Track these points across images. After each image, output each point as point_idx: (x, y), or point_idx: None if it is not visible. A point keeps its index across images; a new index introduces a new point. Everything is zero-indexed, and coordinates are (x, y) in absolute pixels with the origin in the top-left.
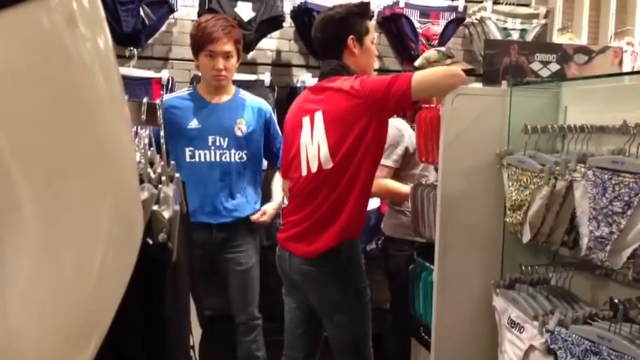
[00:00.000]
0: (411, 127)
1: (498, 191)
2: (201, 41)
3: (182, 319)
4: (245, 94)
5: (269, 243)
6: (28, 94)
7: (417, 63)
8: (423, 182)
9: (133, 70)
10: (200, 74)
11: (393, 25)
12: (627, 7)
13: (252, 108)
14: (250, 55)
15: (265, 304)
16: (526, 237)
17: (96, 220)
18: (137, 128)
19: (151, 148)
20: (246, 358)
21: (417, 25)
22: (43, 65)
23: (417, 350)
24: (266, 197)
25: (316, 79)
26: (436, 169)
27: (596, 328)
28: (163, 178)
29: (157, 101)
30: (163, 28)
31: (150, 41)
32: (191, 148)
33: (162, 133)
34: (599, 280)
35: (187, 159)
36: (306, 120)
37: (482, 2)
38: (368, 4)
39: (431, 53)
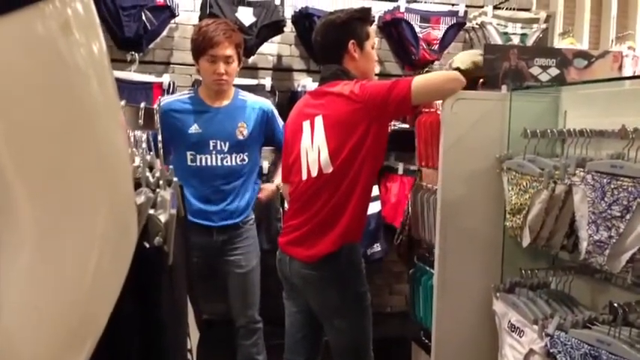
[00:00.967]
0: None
1: (498, 195)
2: (202, 45)
3: (178, 323)
4: (245, 95)
5: (269, 246)
6: (23, 99)
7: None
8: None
9: (134, 75)
10: (201, 78)
11: (394, 29)
12: (628, 11)
13: (254, 109)
14: (251, 60)
15: (266, 307)
16: (526, 241)
17: (91, 223)
18: (135, 132)
19: (151, 152)
20: None
21: (417, 29)
22: (38, 71)
23: (417, 354)
24: None
25: (317, 84)
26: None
27: (596, 332)
28: (161, 182)
29: (155, 106)
30: (165, 32)
31: (151, 46)
32: (192, 152)
33: (159, 138)
34: (598, 284)
35: (189, 162)
36: (306, 124)
37: (482, 7)
38: (369, 9)
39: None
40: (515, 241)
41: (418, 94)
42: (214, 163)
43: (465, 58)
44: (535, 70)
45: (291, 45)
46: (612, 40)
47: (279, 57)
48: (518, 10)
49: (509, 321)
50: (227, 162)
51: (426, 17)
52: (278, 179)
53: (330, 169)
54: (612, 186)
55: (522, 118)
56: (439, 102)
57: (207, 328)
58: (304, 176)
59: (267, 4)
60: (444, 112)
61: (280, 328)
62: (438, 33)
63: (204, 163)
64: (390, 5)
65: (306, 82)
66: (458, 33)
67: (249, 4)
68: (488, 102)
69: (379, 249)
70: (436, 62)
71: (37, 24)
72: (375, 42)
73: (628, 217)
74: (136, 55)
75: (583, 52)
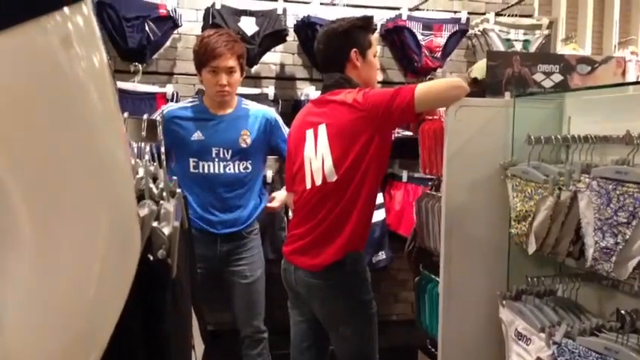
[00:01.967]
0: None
1: (503, 202)
2: (204, 57)
3: (182, 336)
4: (248, 104)
5: (274, 256)
6: (24, 114)
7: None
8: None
9: (137, 85)
10: (204, 88)
11: (396, 37)
12: (631, 16)
13: (257, 117)
14: (254, 69)
15: (271, 317)
16: (531, 248)
17: (93, 236)
18: (139, 143)
19: (154, 163)
20: None
21: (420, 37)
22: (38, 86)
23: None
24: None
25: (320, 92)
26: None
27: (603, 340)
28: (164, 193)
29: (157, 117)
30: (168, 43)
31: (154, 56)
32: (195, 159)
33: (162, 149)
34: (605, 290)
35: (191, 170)
36: (309, 133)
37: (484, 14)
38: (371, 17)
39: None
40: (521, 249)
41: (421, 102)
42: (217, 171)
43: (484, 67)
44: (538, 77)
45: (293, 54)
46: (615, 46)
47: (282, 66)
48: (521, 16)
49: (516, 329)
50: (230, 170)
51: (428, 25)
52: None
53: (334, 178)
54: (618, 192)
55: (526, 124)
56: (442, 109)
57: (212, 338)
58: (308, 185)
59: (270, 13)
60: (447, 119)
61: (286, 337)
62: (441, 40)
63: (206, 171)
64: (393, 13)
65: (309, 91)
66: (460, 40)
67: (251, 14)
68: (491, 109)
69: (384, 257)
70: (439, 69)
71: (37, 38)
72: (377, 50)
73: (634, 223)
74: (140, 65)
75: (586, 58)
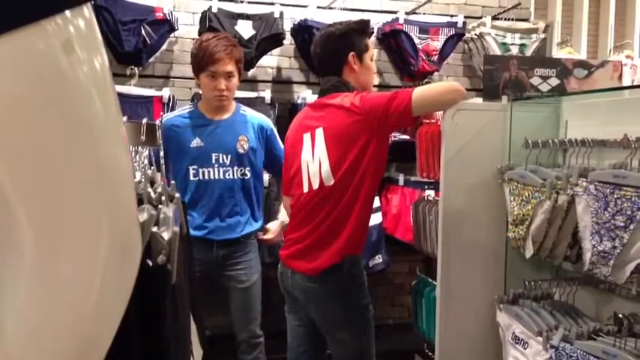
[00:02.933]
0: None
1: (500, 206)
2: (202, 61)
3: (182, 341)
4: (246, 110)
5: (271, 260)
6: (25, 118)
7: None
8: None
9: (134, 89)
10: (201, 92)
11: (393, 41)
12: (626, 20)
13: (253, 125)
14: (251, 73)
15: (268, 321)
16: (529, 252)
17: (93, 243)
18: (137, 148)
19: (152, 168)
20: None
21: (416, 41)
22: (40, 90)
23: None
24: (268, 213)
25: (317, 96)
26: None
27: (601, 344)
28: (163, 198)
29: (157, 122)
30: (164, 46)
31: (151, 60)
32: (195, 166)
33: (161, 154)
34: (603, 294)
35: (192, 177)
36: (306, 137)
37: (481, 18)
38: (368, 21)
39: None
40: (518, 252)
41: (419, 106)
42: (217, 177)
43: None
44: (535, 81)
45: (290, 57)
46: (610, 50)
47: (279, 69)
48: (517, 20)
49: (513, 332)
50: (229, 175)
51: (424, 28)
52: (282, 214)
53: (332, 182)
54: (615, 196)
55: (523, 128)
56: (440, 113)
57: (209, 343)
58: (305, 189)
59: (267, 17)
60: (444, 122)
61: (282, 342)
62: (437, 44)
63: (206, 177)
64: (389, 17)
65: (305, 95)
66: (457, 44)
67: (248, 18)
68: (488, 112)
69: (381, 260)
70: (435, 73)
71: (38, 42)
72: (374, 54)
73: (632, 227)
74: (136, 69)
75: (583, 62)
